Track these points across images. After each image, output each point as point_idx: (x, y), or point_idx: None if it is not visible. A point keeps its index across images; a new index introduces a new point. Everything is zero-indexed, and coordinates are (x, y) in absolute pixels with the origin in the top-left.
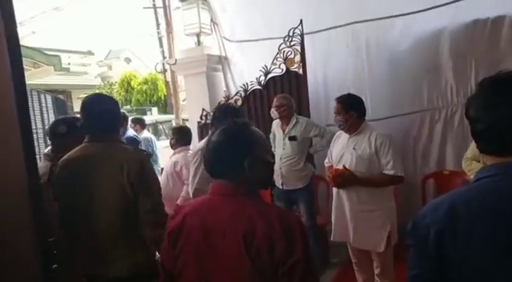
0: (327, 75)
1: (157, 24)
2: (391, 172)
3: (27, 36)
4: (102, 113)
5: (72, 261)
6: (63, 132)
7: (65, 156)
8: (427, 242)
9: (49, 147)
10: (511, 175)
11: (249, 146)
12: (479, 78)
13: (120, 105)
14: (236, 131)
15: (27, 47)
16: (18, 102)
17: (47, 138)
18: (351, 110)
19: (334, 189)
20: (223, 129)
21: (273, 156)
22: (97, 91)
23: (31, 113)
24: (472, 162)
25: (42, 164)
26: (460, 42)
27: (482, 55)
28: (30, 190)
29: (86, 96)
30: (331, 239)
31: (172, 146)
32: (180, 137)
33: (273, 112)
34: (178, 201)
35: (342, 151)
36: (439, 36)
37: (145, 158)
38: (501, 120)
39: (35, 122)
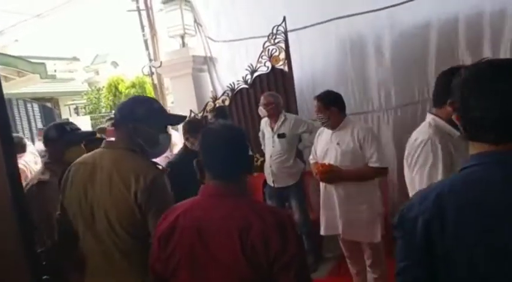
0: (314, 71)
1: (142, 27)
2: (376, 164)
3: (9, 45)
4: (126, 112)
5: (66, 271)
6: (54, 137)
7: (79, 159)
8: (415, 233)
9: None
10: (506, 163)
11: (246, 146)
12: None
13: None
14: (234, 132)
15: (10, 56)
16: None
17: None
18: (331, 106)
19: (322, 184)
20: (218, 131)
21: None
22: (84, 97)
23: (18, 122)
24: None
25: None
26: (446, 34)
27: (468, 47)
28: (14, 199)
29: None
30: (322, 233)
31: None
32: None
33: (261, 110)
34: None
35: (326, 147)
36: (425, 28)
37: (158, 173)
38: (504, 108)
39: (23, 131)
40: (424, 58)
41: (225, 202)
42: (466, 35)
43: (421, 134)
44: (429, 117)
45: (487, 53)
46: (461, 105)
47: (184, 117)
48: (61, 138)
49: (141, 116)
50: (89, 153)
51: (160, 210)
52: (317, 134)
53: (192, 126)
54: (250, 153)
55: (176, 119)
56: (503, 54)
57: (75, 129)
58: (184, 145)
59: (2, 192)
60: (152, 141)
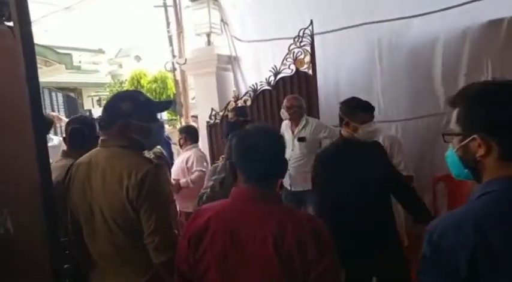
0: (338, 76)
1: (168, 23)
2: (403, 172)
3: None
4: (113, 111)
5: (83, 267)
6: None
7: (79, 160)
8: (457, 264)
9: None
10: None
11: (283, 150)
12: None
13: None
14: (272, 136)
15: (39, 45)
16: (32, 103)
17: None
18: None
19: None
20: (257, 134)
21: None
22: (107, 89)
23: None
24: None
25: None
26: (476, 42)
27: (498, 56)
28: (42, 187)
29: (112, 95)
30: None
31: (182, 145)
32: (189, 135)
33: (283, 113)
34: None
35: None
36: (455, 37)
37: (150, 169)
38: None
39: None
40: (453, 67)
41: (259, 206)
42: (495, 43)
43: None
44: None
45: None
46: (498, 119)
47: (171, 101)
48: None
49: (129, 111)
50: (87, 153)
51: (152, 208)
52: None
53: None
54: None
55: (164, 105)
56: None
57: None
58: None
59: (32, 179)
60: (146, 133)
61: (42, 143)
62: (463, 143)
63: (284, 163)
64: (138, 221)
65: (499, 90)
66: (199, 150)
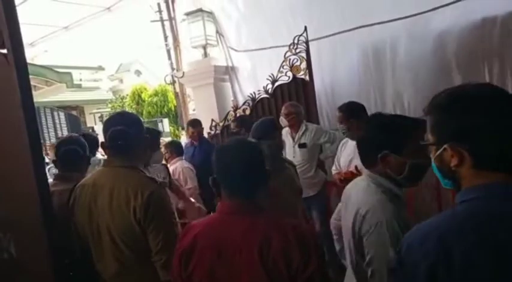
0: (335, 80)
1: (165, 37)
2: None
3: (39, 55)
4: (116, 134)
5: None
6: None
7: (81, 182)
8: (418, 279)
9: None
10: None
11: (261, 162)
12: (493, 79)
13: (143, 125)
14: (248, 148)
15: (39, 66)
16: (29, 127)
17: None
18: (352, 117)
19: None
20: (232, 149)
21: None
22: (109, 105)
23: (45, 130)
24: None
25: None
26: (469, 42)
27: (495, 55)
28: (42, 206)
29: (110, 115)
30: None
31: (168, 159)
32: (174, 149)
33: (282, 120)
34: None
35: (350, 157)
36: (446, 37)
37: (155, 189)
38: None
39: (49, 139)
40: (446, 69)
41: (243, 219)
42: (489, 45)
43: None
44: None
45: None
46: (467, 127)
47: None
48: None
49: (142, 132)
50: (90, 175)
51: (159, 227)
52: (340, 144)
53: None
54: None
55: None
56: None
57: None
58: None
59: (33, 204)
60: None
61: (40, 167)
62: (437, 154)
63: (265, 173)
64: (145, 240)
65: (465, 98)
66: (185, 162)
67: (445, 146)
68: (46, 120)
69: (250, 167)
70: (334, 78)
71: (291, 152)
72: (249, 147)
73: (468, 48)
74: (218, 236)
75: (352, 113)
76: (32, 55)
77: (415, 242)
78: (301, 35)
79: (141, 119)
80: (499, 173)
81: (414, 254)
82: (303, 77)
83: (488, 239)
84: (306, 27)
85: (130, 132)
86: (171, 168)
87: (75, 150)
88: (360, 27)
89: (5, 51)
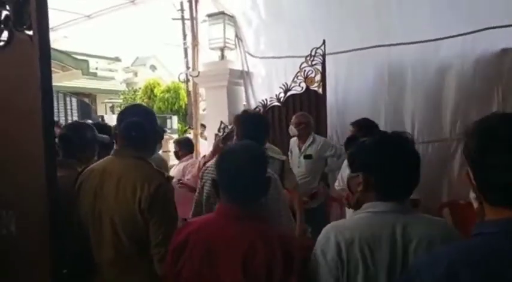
0: (347, 96)
1: (184, 35)
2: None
3: (59, 40)
4: (130, 125)
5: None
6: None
7: (90, 167)
8: None
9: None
10: None
11: (264, 169)
12: (506, 110)
13: (157, 120)
14: (252, 154)
15: (57, 51)
16: (44, 111)
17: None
18: (365, 134)
19: (349, 211)
20: (236, 153)
21: None
22: (121, 96)
23: (56, 114)
24: None
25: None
26: (486, 70)
27: (508, 85)
28: (48, 190)
29: (126, 106)
30: None
31: (180, 156)
32: (185, 146)
33: (292, 129)
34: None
35: None
36: (463, 64)
37: (163, 182)
38: None
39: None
40: (464, 94)
41: (236, 226)
42: (503, 74)
43: None
44: None
45: None
46: (477, 164)
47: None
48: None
49: (156, 124)
50: (99, 161)
51: (162, 220)
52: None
53: None
54: (268, 174)
55: None
56: None
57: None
58: None
59: (38, 185)
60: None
61: (51, 150)
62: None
63: (265, 182)
64: (146, 231)
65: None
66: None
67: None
68: (58, 104)
69: (253, 175)
70: (347, 93)
71: (296, 162)
72: (254, 154)
73: (483, 77)
74: (210, 238)
75: (365, 129)
76: (52, 39)
77: (423, 265)
78: (319, 48)
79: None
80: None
81: (424, 276)
82: (316, 89)
83: (496, 274)
84: (324, 41)
85: (144, 125)
86: (182, 164)
87: (81, 137)
88: (377, 46)
89: (31, 33)
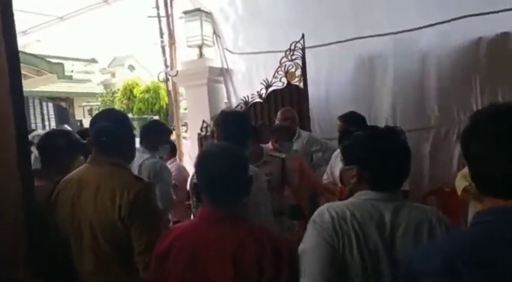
0: (329, 89)
1: (161, 34)
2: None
3: (31, 44)
4: (99, 131)
5: None
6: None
7: (67, 176)
8: None
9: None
10: (509, 221)
11: (244, 170)
12: (484, 97)
13: (130, 123)
14: (231, 156)
15: (30, 55)
16: (16, 118)
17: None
18: (353, 127)
19: None
20: (215, 156)
21: None
22: (99, 99)
23: (32, 120)
24: (461, 179)
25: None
26: (464, 58)
27: (486, 73)
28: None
29: (98, 112)
30: None
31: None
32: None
33: None
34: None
35: None
36: (442, 52)
37: (143, 188)
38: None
39: (36, 129)
40: (441, 83)
41: (221, 227)
42: (487, 58)
43: None
44: None
45: None
46: (466, 155)
47: None
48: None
49: (131, 131)
50: (75, 170)
51: (143, 226)
52: (336, 153)
53: None
54: (250, 173)
55: None
56: None
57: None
58: None
59: (14, 192)
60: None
61: (25, 157)
62: None
63: (247, 182)
64: (127, 239)
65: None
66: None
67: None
68: (34, 110)
69: (234, 176)
70: (329, 86)
71: None
72: (234, 155)
73: (461, 65)
74: (193, 240)
75: (353, 123)
76: (24, 43)
77: (419, 257)
78: (298, 42)
79: (129, 116)
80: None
81: (423, 268)
82: (297, 83)
83: (489, 261)
84: (303, 35)
85: (114, 129)
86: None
87: (52, 146)
88: (356, 38)
89: None
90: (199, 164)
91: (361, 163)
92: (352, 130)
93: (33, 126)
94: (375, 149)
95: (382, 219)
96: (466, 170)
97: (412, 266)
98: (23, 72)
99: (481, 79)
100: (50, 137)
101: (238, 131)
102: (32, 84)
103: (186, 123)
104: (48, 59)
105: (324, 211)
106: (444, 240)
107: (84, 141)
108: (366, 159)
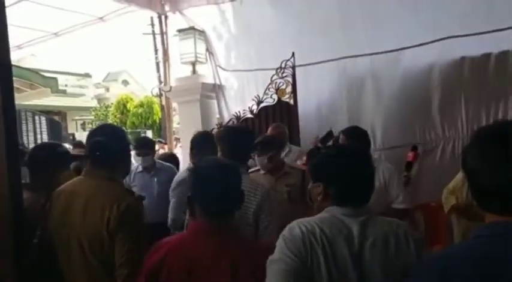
0: (319, 106)
1: (155, 50)
2: (402, 206)
3: (26, 58)
4: (93, 145)
5: None
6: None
7: (60, 188)
8: None
9: None
10: (507, 237)
11: (239, 183)
12: (469, 114)
13: (126, 138)
14: (227, 170)
15: (24, 69)
16: (7, 131)
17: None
18: (356, 141)
19: None
20: (211, 169)
21: None
22: (92, 113)
23: (24, 133)
24: (449, 196)
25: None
26: (449, 77)
27: (472, 91)
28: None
29: (94, 127)
30: None
31: None
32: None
33: None
34: None
35: None
36: (429, 71)
37: (132, 202)
38: (509, 173)
39: (28, 143)
40: (425, 102)
41: (215, 241)
42: (470, 77)
43: None
44: None
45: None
46: (468, 171)
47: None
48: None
49: (127, 146)
50: (69, 182)
51: (126, 237)
52: None
53: None
54: (242, 188)
55: None
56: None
57: (66, 151)
58: None
59: (3, 207)
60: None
61: (15, 171)
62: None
63: (240, 196)
64: (114, 252)
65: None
66: None
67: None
68: (27, 123)
69: (229, 189)
70: (319, 103)
71: None
72: (229, 169)
73: (445, 84)
74: (188, 256)
75: (357, 137)
76: (18, 57)
77: (422, 271)
78: (288, 60)
79: (125, 131)
80: (503, 216)
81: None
82: (287, 100)
83: (482, 278)
84: (293, 53)
85: (109, 144)
86: None
87: (35, 159)
88: (344, 57)
89: None
90: (194, 176)
91: (326, 179)
92: (320, 148)
93: (25, 139)
94: (338, 165)
95: (350, 234)
96: (451, 185)
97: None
98: (16, 85)
99: (465, 97)
100: (34, 150)
101: (239, 146)
102: (25, 98)
103: (178, 138)
104: (42, 73)
105: (295, 226)
106: (439, 254)
107: (75, 154)
108: (331, 175)
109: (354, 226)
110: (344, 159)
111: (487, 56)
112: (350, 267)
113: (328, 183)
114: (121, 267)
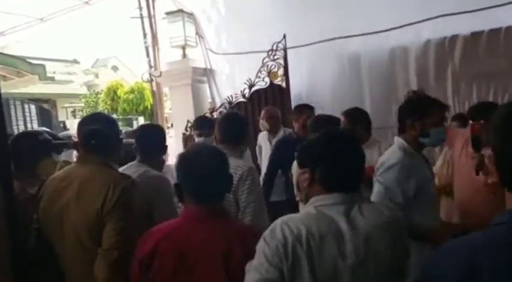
0: (311, 88)
1: (144, 34)
2: None
3: (10, 45)
4: (88, 133)
5: None
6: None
7: (54, 175)
8: None
9: None
10: None
11: (226, 167)
12: (459, 93)
13: (118, 127)
14: (213, 155)
15: (11, 56)
16: None
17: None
18: (357, 123)
19: None
20: (198, 155)
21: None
22: (82, 100)
23: (14, 122)
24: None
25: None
26: (438, 56)
27: (460, 70)
28: (5, 206)
29: (85, 115)
30: None
31: None
32: None
33: (263, 124)
34: None
35: None
36: (423, 50)
37: (128, 186)
38: None
39: (18, 131)
40: (418, 81)
41: (207, 225)
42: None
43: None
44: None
45: None
46: (497, 151)
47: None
48: (33, 150)
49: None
50: (63, 169)
51: (119, 220)
52: None
53: None
54: (230, 172)
55: None
56: None
57: (48, 139)
58: None
59: None
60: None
61: (5, 159)
62: None
63: (228, 180)
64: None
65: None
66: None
67: None
68: (16, 112)
69: (215, 174)
70: (312, 84)
71: (267, 156)
72: (217, 155)
73: (436, 63)
74: (181, 242)
75: (358, 118)
76: (3, 44)
77: (440, 256)
78: (279, 42)
79: (114, 117)
80: None
81: (440, 267)
82: (280, 83)
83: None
84: (284, 35)
85: (104, 132)
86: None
87: (15, 147)
88: (335, 38)
89: None
90: (182, 162)
91: (311, 163)
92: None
93: (15, 128)
94: (322, 148)
95: (339, 230)
96: (436, 165)
97: (431, 272)
98: (2, 73)
99: (453, 75)
100: (16, 138)
101: (233, 132)
102: (13, 86)
103: (172, 124)
104: (29, 60)
105: (277, 228)
106: (468, 239)
107: (58, 141)
108: (314, 158)
109: (340, 220)
110: (327, 141)
111: (476, 34)
112: (340, 265)
113: (314, 168)
114: (110, 248)
